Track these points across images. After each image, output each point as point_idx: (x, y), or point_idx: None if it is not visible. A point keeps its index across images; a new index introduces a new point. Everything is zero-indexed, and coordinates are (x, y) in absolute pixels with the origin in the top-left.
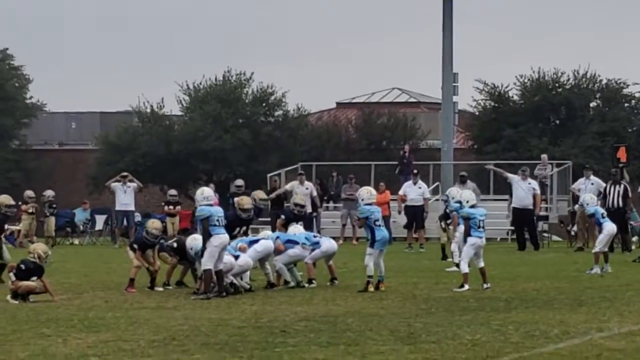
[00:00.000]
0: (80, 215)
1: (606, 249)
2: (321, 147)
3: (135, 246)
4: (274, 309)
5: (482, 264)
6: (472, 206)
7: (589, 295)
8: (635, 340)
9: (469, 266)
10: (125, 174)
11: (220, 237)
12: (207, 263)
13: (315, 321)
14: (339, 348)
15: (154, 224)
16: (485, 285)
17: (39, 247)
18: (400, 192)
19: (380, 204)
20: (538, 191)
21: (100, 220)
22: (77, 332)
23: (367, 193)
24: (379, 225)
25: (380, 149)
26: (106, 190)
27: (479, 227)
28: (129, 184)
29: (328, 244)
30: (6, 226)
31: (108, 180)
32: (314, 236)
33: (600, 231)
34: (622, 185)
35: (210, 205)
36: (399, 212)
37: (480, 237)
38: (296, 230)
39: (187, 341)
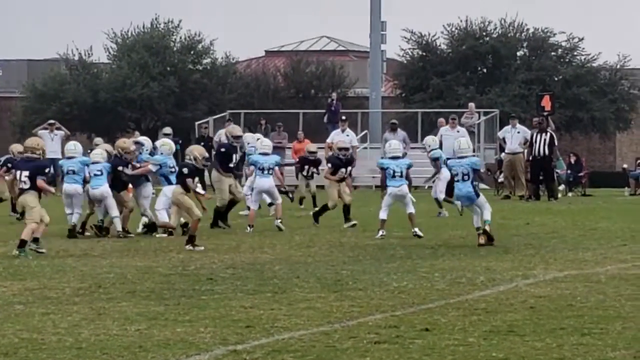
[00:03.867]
0: None
1: (443, 195)
2: (249, 95)
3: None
4: (200, 256)
5: (410, 210)
6: (393, 157)
7: (514, 243)
8: (559, 287)
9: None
10: (52, 121)
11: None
12: None
13: (242, 269)
14: (265, 295)
15: (125, 143)
16: (415, 230)
17: None
18: (328, 140)
19: (299, 152)
20: (466, 137)
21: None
22: (2, 280)
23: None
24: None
25: (309, 97)
26: None
27: (393, 177)
28: (56, 131)
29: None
30: None
31: (35, 128)
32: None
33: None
34: (548, 134)
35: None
36: (327, 162)
37: (397, 186)
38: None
39: (113, 289)
